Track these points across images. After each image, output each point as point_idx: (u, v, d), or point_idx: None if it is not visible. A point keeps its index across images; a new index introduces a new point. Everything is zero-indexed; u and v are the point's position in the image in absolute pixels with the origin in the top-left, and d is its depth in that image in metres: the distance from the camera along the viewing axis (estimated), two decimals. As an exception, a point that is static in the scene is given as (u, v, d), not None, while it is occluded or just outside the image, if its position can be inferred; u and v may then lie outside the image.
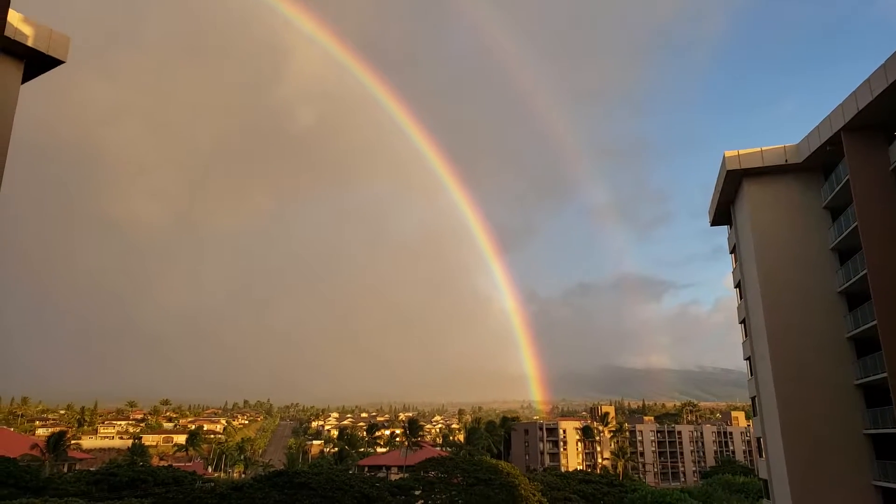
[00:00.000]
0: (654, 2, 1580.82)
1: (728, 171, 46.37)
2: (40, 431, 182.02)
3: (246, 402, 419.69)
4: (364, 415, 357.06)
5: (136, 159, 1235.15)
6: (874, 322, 36.18)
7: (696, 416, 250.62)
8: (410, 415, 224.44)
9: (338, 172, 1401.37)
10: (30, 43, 31.94)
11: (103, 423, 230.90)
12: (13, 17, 30.95)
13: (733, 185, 48.33)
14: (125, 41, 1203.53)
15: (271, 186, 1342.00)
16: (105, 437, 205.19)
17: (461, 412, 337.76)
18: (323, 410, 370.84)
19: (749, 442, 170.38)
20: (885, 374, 35.21)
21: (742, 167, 45.53)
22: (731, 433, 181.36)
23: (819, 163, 42.92)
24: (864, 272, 36.96)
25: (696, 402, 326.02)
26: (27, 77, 33.65)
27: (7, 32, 30.46)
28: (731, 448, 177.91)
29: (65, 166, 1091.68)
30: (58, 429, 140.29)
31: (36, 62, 32.70)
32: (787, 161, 44.14)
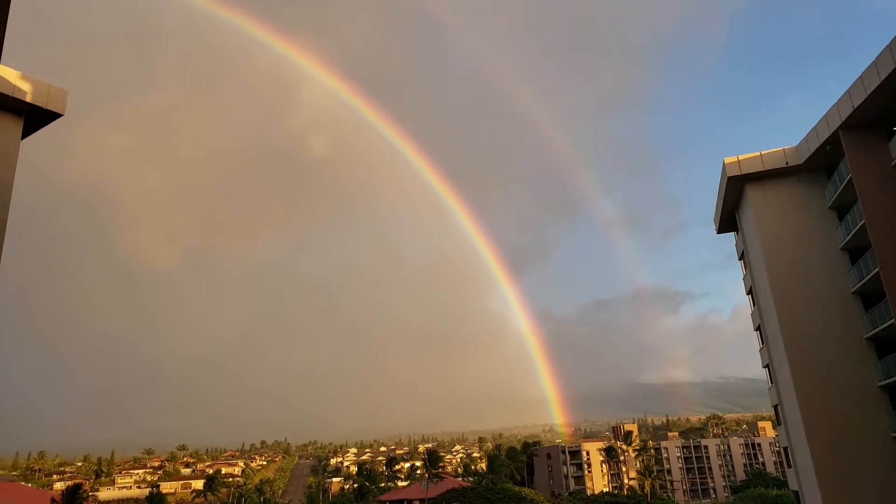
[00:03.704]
0: (654, 9, 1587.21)
1: (729, 178, 45.99)
2: (58, 485, 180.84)
3: (263, 442, 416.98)
4: (383, 448, 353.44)
5: (149, 202, 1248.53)
6: (892, 321, 35.45)
7: (721, 429, 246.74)
8: (430, 446, 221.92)
9: (349, 200, 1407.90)
10: (28, 99, 32.52)
11: (120, 472, 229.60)
12: (11, 74, 31.56)
13: (736, 191, 47.92)
14: (134, 85, 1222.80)
15: (284, 218, 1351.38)
16: (123, 488, 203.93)
17: (481, 440, 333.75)
18: (341, 446, 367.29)
19: (779, 452, 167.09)
20: (907, 374, 34.40)
21: (743, 173, 45.09)
22: (759, 444, 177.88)
23: (820, 163, 42.48)
24: (877, 270, 36.32)
25: (720, 415, 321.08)
26: (29, 131, 34.30)
27: (5, 90, 31.08)
28: (761, 460, 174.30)
29: (79, 214, 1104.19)
30: (74, 481, 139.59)
31: (35, 116, 33.36)
32: (787, 163, 43.71)
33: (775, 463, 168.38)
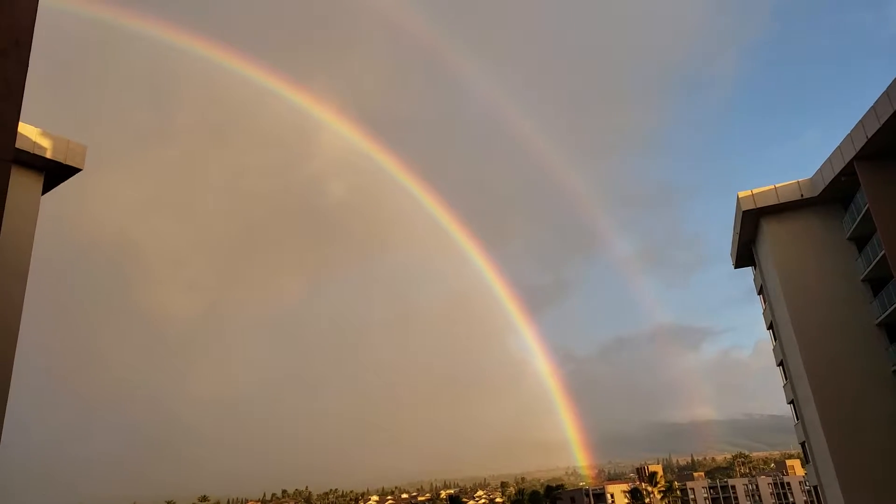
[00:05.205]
0: (666, 46, 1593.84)
1: (744, 212, 45.67)
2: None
3: (284, 491, 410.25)
4: (405, 496, 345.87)
5: (168, 253, 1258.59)
6: (918, 352, 34.65)
7: (749, 468, 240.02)
8: (452, 492, 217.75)
9: (364, 244, 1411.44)
10: (48, 155, 33.29)
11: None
12: (31, 131, 32.40)
13: (751, 225, 47.58)
14: (153, 136, 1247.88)
15: (301, 264, 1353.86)
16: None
17: (504, 484, 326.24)
18: (362, 494, 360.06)
19: (809, 492, 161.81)
20: (938, 407, 33.42)
21: (757, 206, 44.78)
22: (788, 483, 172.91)
23: (836, 194, 42.06)
24: (900, 301, 35.68)
25: (747, 453, 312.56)
26: (49, 186, 35.02)
27: (26, 146, 31.86)
28: (791, 499, 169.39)
29: (100, 265, 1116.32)
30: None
31: (55, 172, 34.12)
32: (802, 196, 43.38)
33: (806, 503, 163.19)
